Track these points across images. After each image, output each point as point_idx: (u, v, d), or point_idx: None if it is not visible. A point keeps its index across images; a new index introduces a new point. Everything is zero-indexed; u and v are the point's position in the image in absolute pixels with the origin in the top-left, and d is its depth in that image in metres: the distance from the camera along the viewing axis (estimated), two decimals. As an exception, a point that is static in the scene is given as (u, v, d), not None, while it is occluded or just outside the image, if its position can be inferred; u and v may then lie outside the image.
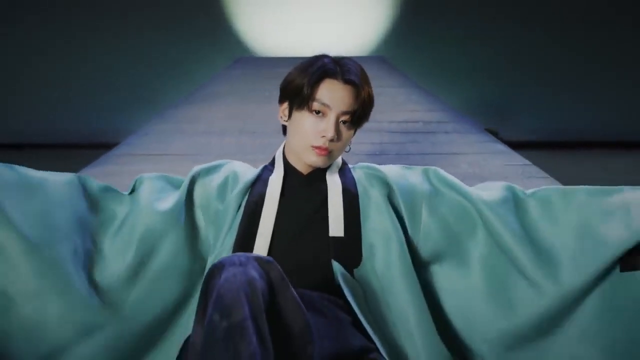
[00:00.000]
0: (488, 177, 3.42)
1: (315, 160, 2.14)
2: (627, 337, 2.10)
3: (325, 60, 2.18)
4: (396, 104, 6.09)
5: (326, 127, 2.10)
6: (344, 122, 2.14)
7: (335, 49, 10.56)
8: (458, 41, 12.80)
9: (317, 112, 2.11)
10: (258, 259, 1.66)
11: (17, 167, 2.20)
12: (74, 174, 2.32)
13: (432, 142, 4.46)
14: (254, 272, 1.61)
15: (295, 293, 1.68)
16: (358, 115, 2.15)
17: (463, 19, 12.85)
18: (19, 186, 2.15)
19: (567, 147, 12.21)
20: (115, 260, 2.20)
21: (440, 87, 11.81)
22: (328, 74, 2.13)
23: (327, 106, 2.11)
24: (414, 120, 5.28)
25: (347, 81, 2.12)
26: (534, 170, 3.66)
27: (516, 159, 4.00)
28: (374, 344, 1.99)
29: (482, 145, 4.38)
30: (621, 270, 2.12)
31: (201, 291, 1.66)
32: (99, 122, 12.09)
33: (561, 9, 13.01)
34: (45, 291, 2.08)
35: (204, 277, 1.74)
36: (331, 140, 2.12)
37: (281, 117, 2.22)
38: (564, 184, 2.67)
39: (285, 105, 2.18)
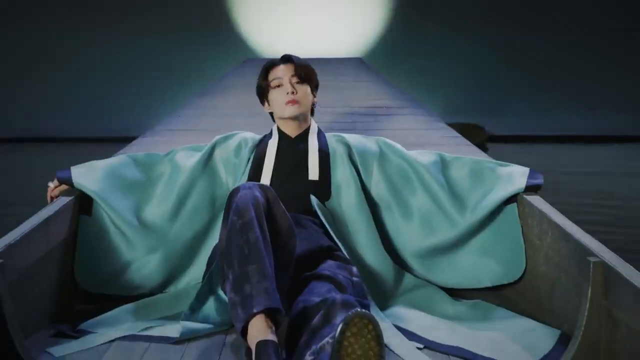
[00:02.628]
0: (428, 145, 3.65)
1: (292, 110, 2.49)
2: (508, 249, 2.45)
3: (272, 59, 2.59)
4: (368, 94, 6.30)
5: (285, 87, 2.48)
6: (296, 82, 2.49)
7: (326, 49, 10.76)
8: (445, 46, 12.26)
9: (277, 86, 2.49)
10: (260, 185, 2.04)
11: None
12: (126, 154, 2.67)
13: (390, 121, 4.68)
14: (257, 193, 1.99)
15: (283, 206, 2.05)
16: (301, 74, 2.50)
17: (447, 24, 12.24)
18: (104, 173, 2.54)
19: (542, 140, 11.63)
20: (162, 205, 2.53)
21: (432, 86, 11.65)
22: (271, 65, 2.54)
23: (279, 78, 2.49)
24: (379, 106, 5.49)
25: (283, 60, 2.53)
26: (461, 140, 3.93)
27: (450, 132, 4.23)
28: (338, 246, 2.30)
29: (427, 123, 4.61)
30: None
31: (225, 206, 2.04)
32: (124, 115, 11.77)
33: (549, 11, 12.26)
34: (122, 230, 2.46)
35: (225, 201, 2.15)
36: (293, 93, 2.47)
37: (266, 110, 2.60)
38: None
39: (265, 102, 2.58)
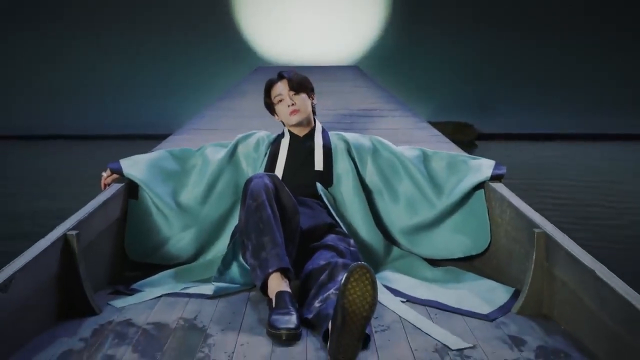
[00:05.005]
0: (413, 142, 3.71)
1: (295, 118, 2.65)
2: (476, 226, 2.63)
3: (270, 77, 2.71)
4: (364, 98, 6.45)
5: (286, 101, 2.63)
6: (293, 94, 2.63)
7: (327, 58, 10.90)
8: (437, 51, 12.03)
9: (280, 101, 2.65)
10: (268, 174, 2.27)
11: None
12: (164, 150, 2.82)
13: (383, 122, 4.85)
14: (267, 180, 2.22)
15: (288, 190, 2.26)
16: (295, 87, 2.63)
17: (438, 31, 12.01)
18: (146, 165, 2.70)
19: (526, 138, 11.46)
20: (194, 191, 2.69)
21: (424, 88, 11.49)
22: (270, 84, 2.70)
23: (279, 94, 2.65)
24: (374, 109, 5.64)
25: (279, 78, 2.67)
26: (442, 138, 4.10)
27: (433, 131, 4.40)
28: (339, 223, 2.50)
29: (414, 123, 4.77)
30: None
31: (242, 192, 2.26)
32: (153, 116, 11.64)
33: (536, 16, 11.87)
34: (162, 211, 2.63)
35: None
36: (293, 105, 2.63)
37: (277, 120, 2.76)
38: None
39: (274, 115, 2.74)
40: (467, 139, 11.04)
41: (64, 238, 2.04)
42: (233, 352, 1.80)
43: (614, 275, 1.70)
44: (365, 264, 1.73)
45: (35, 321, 1.89)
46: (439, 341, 1.87)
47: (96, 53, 12.03)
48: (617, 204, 6.84)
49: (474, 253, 2.62)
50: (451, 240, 2.66)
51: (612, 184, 7.86)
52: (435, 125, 9.43)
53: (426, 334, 1.92)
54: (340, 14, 12.57)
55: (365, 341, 1.80)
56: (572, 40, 11.97)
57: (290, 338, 1.86)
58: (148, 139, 9.88)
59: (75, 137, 11.62)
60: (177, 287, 2.31)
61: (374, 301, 1.70)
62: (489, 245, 2.59)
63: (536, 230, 2.09)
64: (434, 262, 2.61)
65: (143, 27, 12.10)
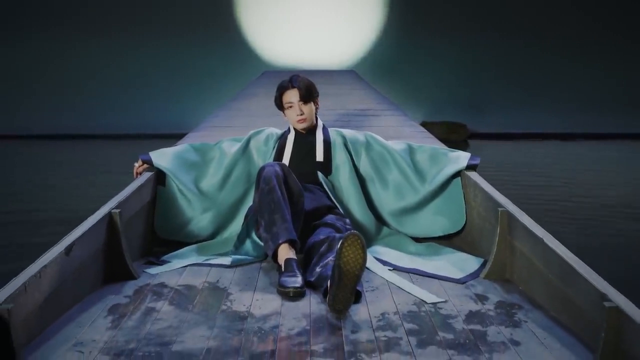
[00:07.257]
0: (402, 137, 3.84)
1: (302, 125, 2.79)
2: (454, 209, 2.80)
3: (283, 81, 2.79)
4: (360, 99, 6.64)
5: (295, 110, 2.75)
6: (302, 104, 2.73)
7: (327, 62, 11.01)
8: (431, 53, 11.89)
9: (290, 107, 2.77)
10: (278, 163, 2.47)
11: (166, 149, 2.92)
12: (187, 143, 2.98)
13: (377, 120, 5.04)
14: (277, 168, 2.42)
15: (295, 177, 2.46)
16: (305, 96, 2.73)
17: (432, 35, 11.87)
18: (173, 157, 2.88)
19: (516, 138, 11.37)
20: (213, 179, 2.87)
21: (418, 90, 11.37)
22: (283, 88, 2.78)
23: (290, 102, 2.75)
24: (369, 109, 5.82)
25: (293, 86, 2.75)
26: (427, 134, 4.29)
27: (419, 129, 4.60)
28: (337, 206, 2.69)
29: (402, 122, 4.97)
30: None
31: (256, 178, 2.46)
32: (154, 117, 11.58)
33: (528, 19, 11.64)
34: (186, 195, 2.80)
35: (256, 175, 2.52)
36: (302, 114, 2.76)
37: (284, 117, 2.86)
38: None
39: (284, 115, 2.85)
40: (460, 139, 11.02)
41: (109, 214, 2.28)
42: (250, 305, 2.05)
43: (559, 242, 1.95)
44: (357, 232, 1.97)
45: (88, 281, 2.13)
46: (417, 297, 2.11)
47: (97, 55, 11.78)
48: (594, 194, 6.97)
49: (452, 232, 2.80)
50: (433, 221, 2.82)
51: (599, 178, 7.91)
52: (430, 125, 9.53)
53: (407, 292, 2.17)
54: (340, 17, 12.53)
55: (357, 296, 2.05)
56: (563, 41, 11.78)
57: (297, 295, 2.10)
58: (148, 139, 9.89)
59: (75, 137, 11.46)
60: (200, 259, 2.53)
61: (364, 262, 1.94)
62: (464, 225, 2.77)
63: (500, 209, 2.32)
64: (417, 239, 2.79)
65: (144, 29, 11.89)
